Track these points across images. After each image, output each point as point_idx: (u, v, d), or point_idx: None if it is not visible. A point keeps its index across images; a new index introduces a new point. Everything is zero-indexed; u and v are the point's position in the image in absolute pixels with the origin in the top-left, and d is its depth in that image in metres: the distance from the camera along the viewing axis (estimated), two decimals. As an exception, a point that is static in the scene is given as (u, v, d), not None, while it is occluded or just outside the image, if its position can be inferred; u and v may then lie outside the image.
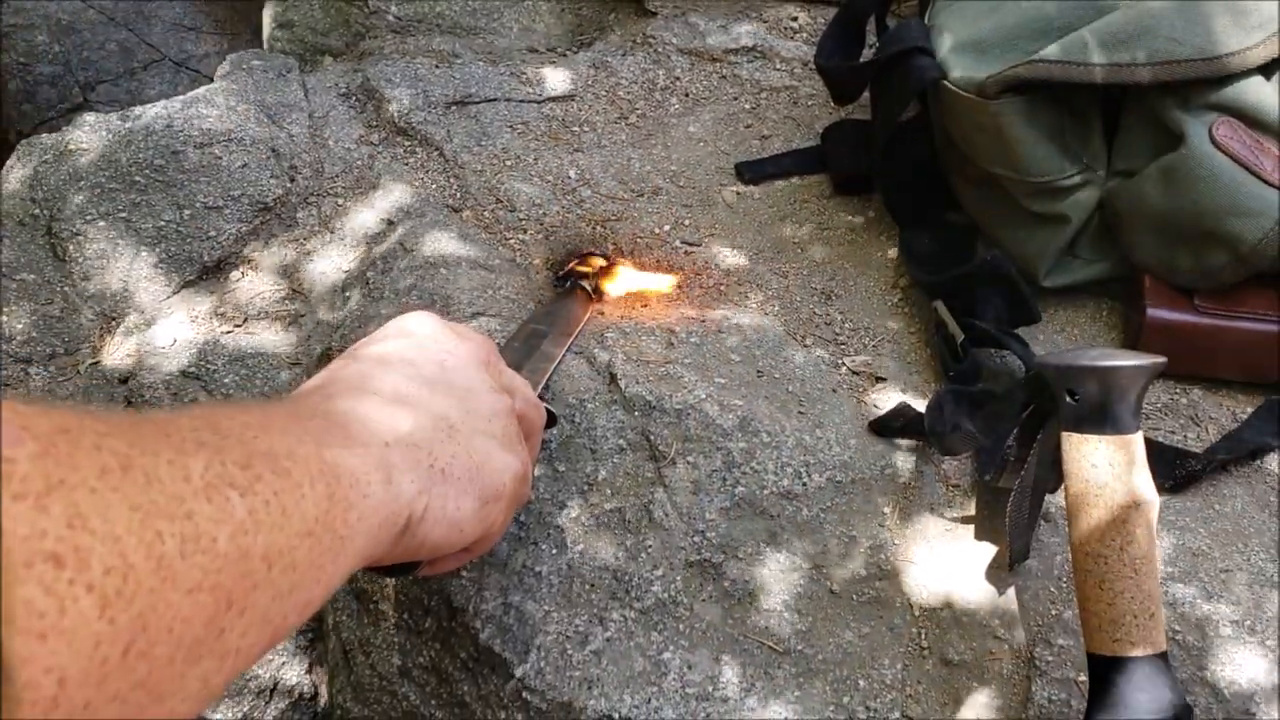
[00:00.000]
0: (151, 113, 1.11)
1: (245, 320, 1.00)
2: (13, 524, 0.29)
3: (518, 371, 0.74)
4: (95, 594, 0.30)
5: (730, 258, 1.01)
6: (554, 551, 0.76)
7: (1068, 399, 0.64)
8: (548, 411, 0.74)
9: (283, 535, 0.40)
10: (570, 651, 0.72)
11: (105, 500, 0.32)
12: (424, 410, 0.57)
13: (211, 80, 1.23)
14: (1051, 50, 0.81)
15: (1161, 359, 0.62)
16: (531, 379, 0.77)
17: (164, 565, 0.33)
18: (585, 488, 0.78)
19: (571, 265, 1.00)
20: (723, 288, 0.98)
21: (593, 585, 0.74)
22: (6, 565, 0.28)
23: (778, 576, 0.75)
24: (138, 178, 1.05)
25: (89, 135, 1.10)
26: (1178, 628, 0.72)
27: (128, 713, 0.32)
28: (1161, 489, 0.79)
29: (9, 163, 1.15)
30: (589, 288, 0.97)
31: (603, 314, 0.95)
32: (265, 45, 1.39)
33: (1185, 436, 0.84)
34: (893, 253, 0.99)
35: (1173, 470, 0.79)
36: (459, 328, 0.67)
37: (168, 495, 0.35)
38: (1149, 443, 0.79)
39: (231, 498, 0.38)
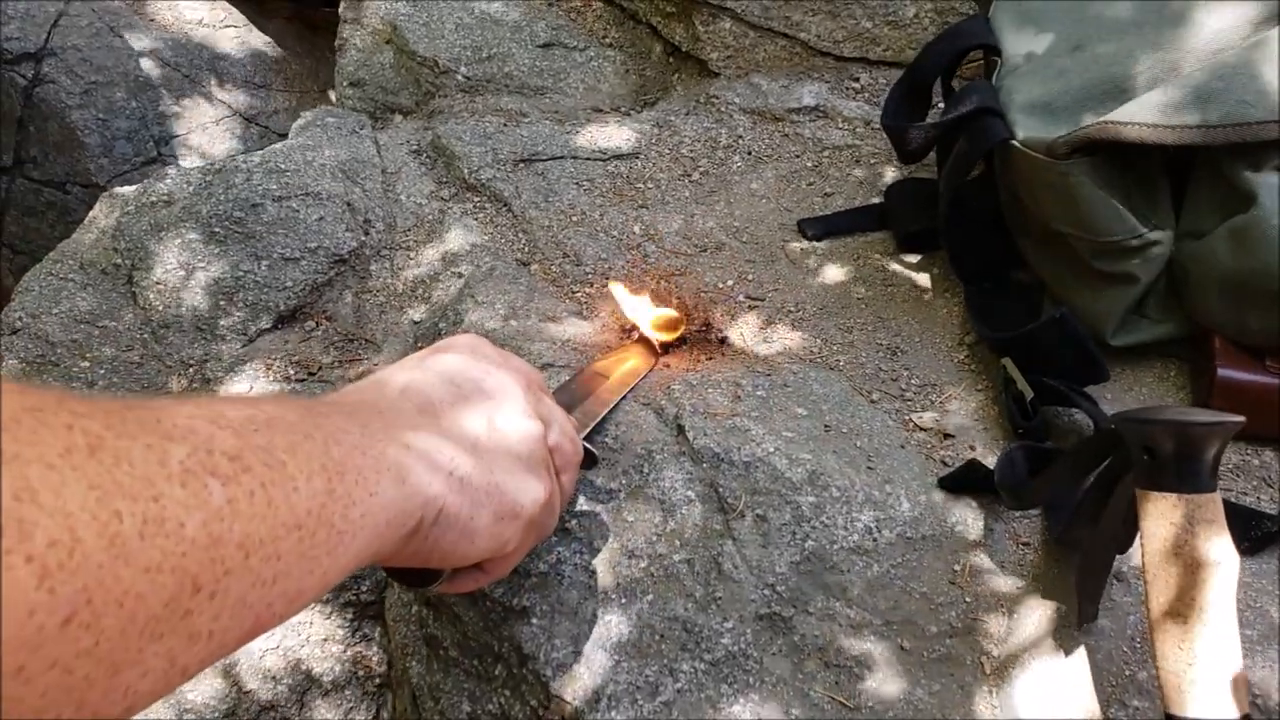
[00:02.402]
0: (231, 166, 1.15)
1: (320, 369, 1.03)
2: None
3: (569, 413, 0.75)
4: (35, 564, 0.32)
5: (794, 312, 1.02)
6: (624, 601, 0.76)
7: (1144, 456, 0.64)
8: (589, 452, 0.75)
9: (265, 525, 0.41)
10: (641, 701, 0.72)
11: (61, 477, 0.34)
12: (452, 420, 0.59)
13: (281, 136, 1.27)
14: (1121, 112, 0.82)
15: (1239, 418, 0.62)
16: (581, 420, 0.79)
17: (117, 543, 0.35)
18: (654, 538, 0.79)
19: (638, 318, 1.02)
20: (787, 342, 0.99)
21: (663, 636, 0.75)
22: None
23: (848, 632, 0.75)
24: (217, 229, 1.08)
25: (171, 187, 1.13)
26: (1256, 693, 0.71)
27: (74, 681, 0.33)
28: (1237, 551, 0.78)
29: (93, 213, 1.19)
30: (655, 341, 0.98)
31: (669, 366, 0.96)
32: (336, 103, 1.43)
33: (1259, 498, 0.83)
34: (959, 309, 1.00)
35: (1248, 532, 0.78)
36: (506, 354, 0.69)
37: (135, 477, 0.36)
38: (1223, 503, 0.79)
39: (210, 484, 0.39)
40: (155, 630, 0.37)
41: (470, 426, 0.60)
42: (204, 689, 0.89)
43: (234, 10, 1.85)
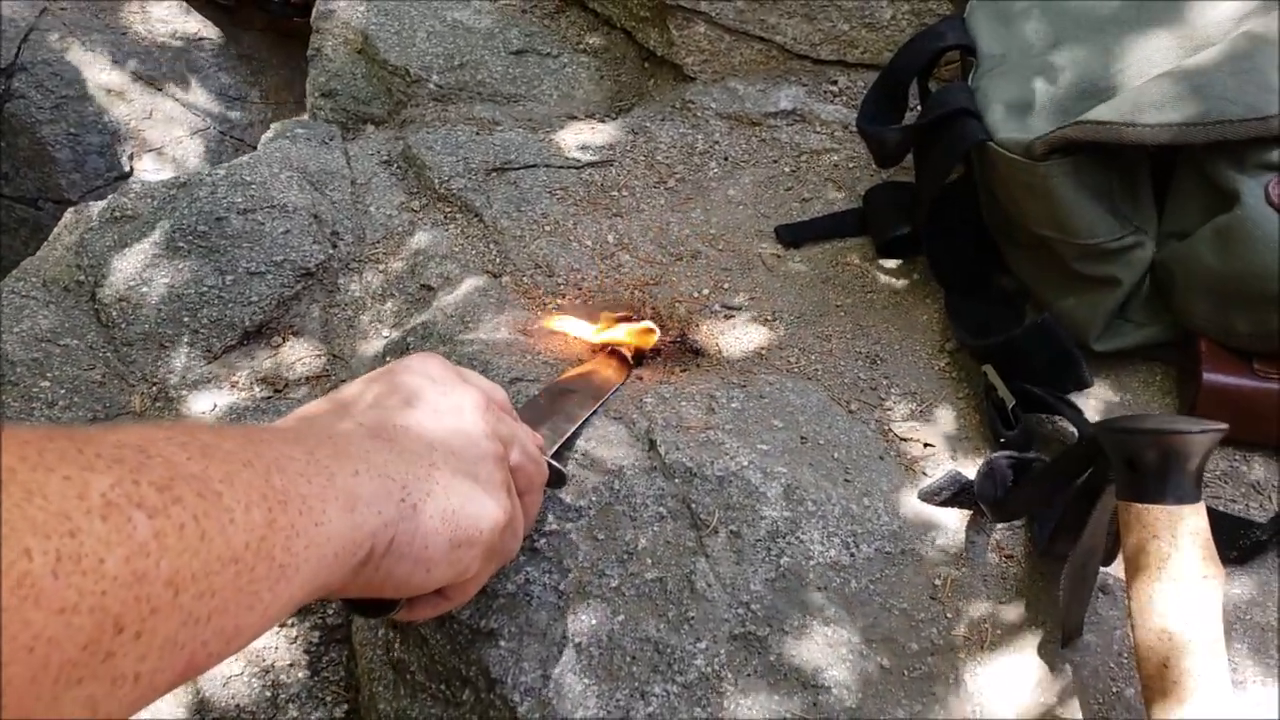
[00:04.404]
0: (196, 179, 1.12)
1: (286, 386, 1.00)
2: None
3: (537, 429, 0.73)
4: None
5: (771, 321, 0.99)
6: (594, 622, 0.74)
7: (1126, 467, 0.61)
8: (556, 470, 0.73)
9: (198, 560, 0.39)
10: (611, 727, 0.70)
11: None
12: (405, 444, 0.57)
13: (255, 148, 1.25)
14: (1100, 111, 0.80)
15: (1223, 425, 0.60)
16: (550, 437, 0.77)
17: (26, 583, 0.33)
18: (625, 557, 0.76)
19: (610, 330, 0.99)
20: (764, 352, 0.96)
21: (634, 658, 0.72)
22: None
23: (825, 651, 0.72)
24: (181, 244, 1.06)
25: (135, 202, 1.11)
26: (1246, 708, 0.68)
27: None
28: (1225, 560, 0.76)
29: (56, 229, 1.16)
30: (627, 353, 0.96)
31: (641, 379, 0.93)
32: (308, 114, 1.41)
33: (1247, 505, 0.81)
34: (939, 315, 0.97)
35: (1236, 541, 0.76)
36: (465, 372, 0.67)
37: (50, 512, 0.34)
38: (1210, 512, 0.76)
39: (135, 517, 0.37)
40: (72, 675, 0.34)
41: (425, 449, 0.58)
42: (164, 712, 0.86)
43: (207, 22, 1.83)
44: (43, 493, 0.35)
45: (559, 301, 1.03)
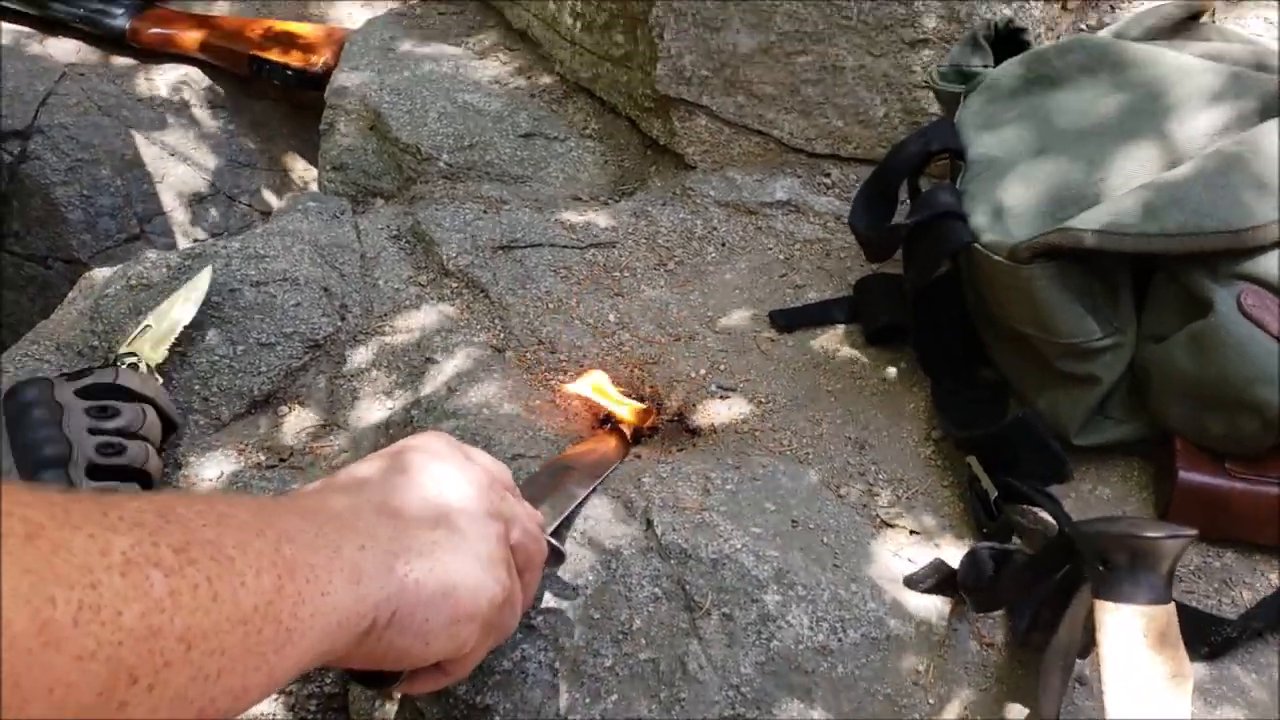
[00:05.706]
0: (211, 251, 1.15)
1: (291, 455, 1.03)
2: None
3: (537, 506, 0.76)
4: None
5: (765, 404, 1.03)
6: (587, 701, 0.76)
7: (1099, 566, 0.64)
8: (554, 549, 0.75)
9: (208, 619, 0.42)
10: (602, 805, 0.72)
11: None
12: (409, 521, 0.60)
13: (264, 214, 1.29)
14: (1083, 219, 0.84)
15: (1193, 531, 0.63)
16: (550, 514, 0.79)
17: (49, 629, 0.35)
18: (620, 637, 0.79)
19: (610, 408, 1.02)
20: (758, 434, 1.00)
21: (626, 737, 0.75)
22: None
23: (811, 733, 0.75)
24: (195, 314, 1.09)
25: (149, 271, 1.14)
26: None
27: None
28: (1195, 656, 0.78)
29: (71, 294, 1.19)
30: (627, 431, 0.99)
31: (639, 457, 0.96)
32: (319, 186, 1.45)
33: (1219, 601, 0.84)
34: (926, 403, 1.01)
35: (1207, 637, 0.78)
36: (471, 450, 0.70)
37: (74, 565, 0.37)
38: (1181, 608, 0.79)
39: (152, 575, 0.40)
40: None
41: (427, 527, 0.60)
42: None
43: (220, 90, 1.88)
44: (68, 548, 0.37)
45: (561, 378, 1.06)
